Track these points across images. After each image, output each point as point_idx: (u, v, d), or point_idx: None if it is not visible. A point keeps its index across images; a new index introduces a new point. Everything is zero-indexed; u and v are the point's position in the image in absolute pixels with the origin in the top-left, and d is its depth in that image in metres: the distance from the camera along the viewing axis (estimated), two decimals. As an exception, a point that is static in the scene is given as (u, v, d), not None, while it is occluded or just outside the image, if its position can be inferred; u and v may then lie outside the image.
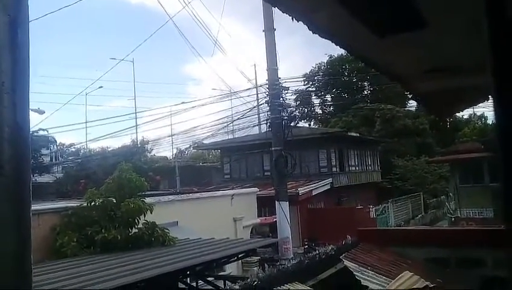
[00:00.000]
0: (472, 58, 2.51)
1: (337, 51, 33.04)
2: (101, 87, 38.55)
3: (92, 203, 10.10)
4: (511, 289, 1.11)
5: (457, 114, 29.85)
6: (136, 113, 33.28)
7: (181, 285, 9.67)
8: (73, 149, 34.29)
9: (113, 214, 10.04)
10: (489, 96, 1.64)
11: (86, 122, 33.67)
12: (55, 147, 30.54)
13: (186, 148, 39.65)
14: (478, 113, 36.27)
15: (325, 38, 2.25)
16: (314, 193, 22.15)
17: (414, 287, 6.58)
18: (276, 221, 16.17)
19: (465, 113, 36.72)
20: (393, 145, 32.53)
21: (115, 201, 10.19)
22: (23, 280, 1.00)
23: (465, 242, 7.84)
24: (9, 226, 0.99)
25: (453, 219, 22.17)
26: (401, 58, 2.87)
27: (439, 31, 2.32)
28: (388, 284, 6.69)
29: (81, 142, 35.91)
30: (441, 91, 3.68)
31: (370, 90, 41.73)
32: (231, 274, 12.80)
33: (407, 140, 33.27)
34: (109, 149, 30.28)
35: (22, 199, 1.03)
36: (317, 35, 2.18)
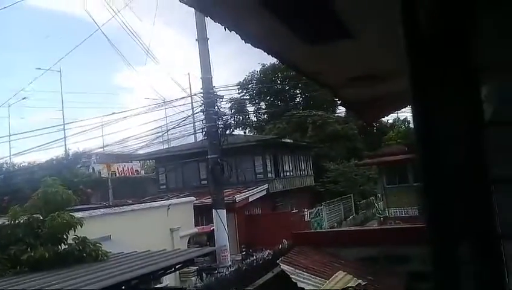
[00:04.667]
0: (394, 67, 2.68)
1: (271, 59, 33.67)
2: (25, 98, 36.11)
3: (16, 222, 9.44)
4: (433, 283, 1.21)
5: (383, 119, 31.55)
6: (64, 124, 31.55)
7: (116, 301, 9.28)
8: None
9: (39, 231, 9.45)
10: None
11: (9, 135, 31.44)
12: None
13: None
14: (402, 118, 38.55)
15: (257, 47, 2.30)
16: (250, 199, 22.30)
17: (347, 286, 6.84)
18: (213, 229, 16.07)
19: (390, 118, 38.85)
20: (324, 150, 33.67)
21: (41, 217, 9.61)
22: None
23: (393, 240, 8.30)
24: None
25: (381, 218, 23.26)
26: (329, 66, 3.00)
27: (363, 41, 2.46)
28: (323, 284, 6.90)
29: (4, 157, 33.33)
30: (367, 97, 3.89)
31: (302, 97, 42.93)
32: (169, 286, 12.52)
33: (337, 144, 34.58)
34: (36, 163, 28.25)
35: None
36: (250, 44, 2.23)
